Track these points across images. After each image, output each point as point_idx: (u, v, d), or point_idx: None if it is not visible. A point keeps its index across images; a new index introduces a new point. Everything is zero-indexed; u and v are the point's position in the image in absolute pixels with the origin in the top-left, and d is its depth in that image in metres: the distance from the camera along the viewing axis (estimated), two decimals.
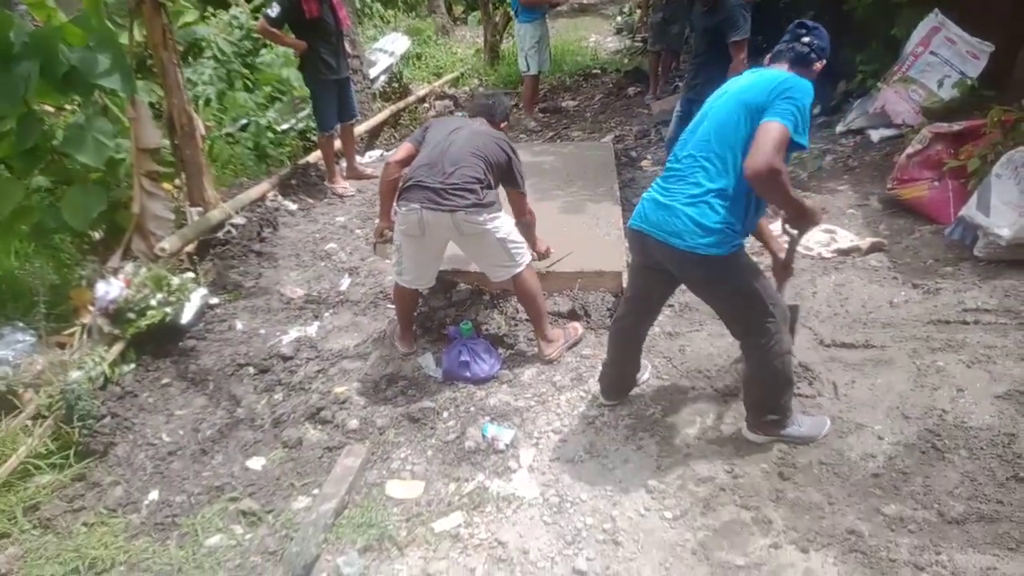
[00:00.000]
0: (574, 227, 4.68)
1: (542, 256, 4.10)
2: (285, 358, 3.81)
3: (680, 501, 2.71)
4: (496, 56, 10.90)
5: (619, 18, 13.75)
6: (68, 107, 5.10)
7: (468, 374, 3.49)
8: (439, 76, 10.39)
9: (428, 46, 11.80)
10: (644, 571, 2.45)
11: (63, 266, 4.56)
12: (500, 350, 3.72)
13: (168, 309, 3.84)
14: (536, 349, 3.68)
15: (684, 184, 2.62)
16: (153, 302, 3.79)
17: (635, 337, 3.12)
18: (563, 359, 3.64)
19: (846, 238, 4.51)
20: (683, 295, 3.86)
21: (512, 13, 8.30)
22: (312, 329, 4.10)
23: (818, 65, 2.67)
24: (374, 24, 12.38)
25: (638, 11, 12.58)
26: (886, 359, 3.34)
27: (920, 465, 2.74)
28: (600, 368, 3.27)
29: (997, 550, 2.37)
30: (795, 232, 2.87)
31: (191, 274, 4.29)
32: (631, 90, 9.20)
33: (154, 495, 3.01)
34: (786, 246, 3.02)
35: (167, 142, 4.77)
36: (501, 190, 3.59)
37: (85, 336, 3.79)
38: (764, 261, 4.29)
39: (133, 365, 3.75)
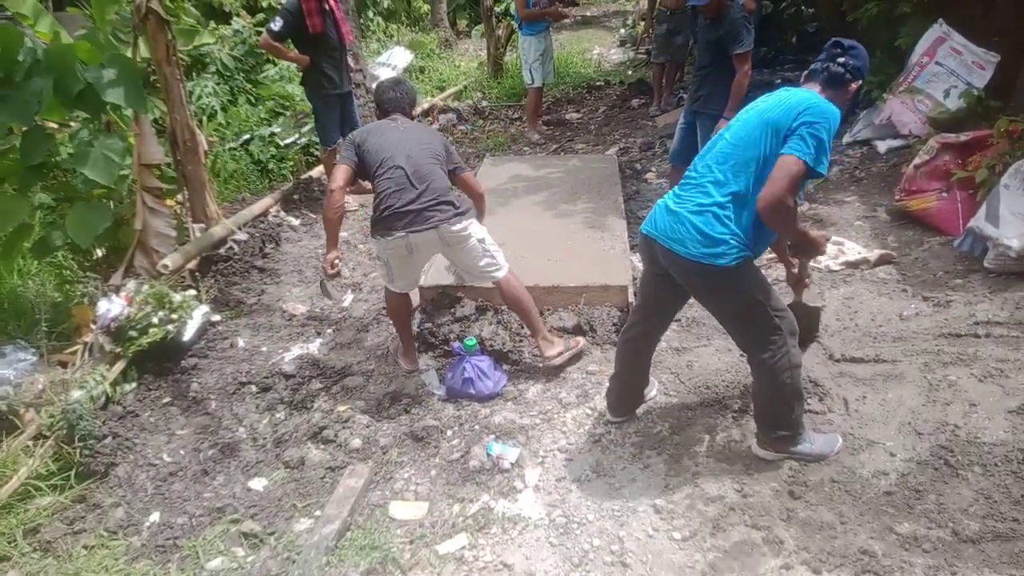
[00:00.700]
0: (579, 241, 4.65)
1: None
2: (287, 376, 3.77)
3: (689, 521, 2.66)
4: (499, 69, 10.92)
5: (622, 30, 13.81)
6: (73, 123, 5.11)
7: (472, 391, 3.45)
8: (442, 90, 10.40)
9: (431, 60, 11.83)
10: None
11: (65, 283, 4.54)
12: (505, 367, 3.68)
13: (170, 327, 3.81)
14: (540, 362, 3.65)
15: (696, 192, 2.62)
16: (155, 320, 3.76)
17: (643, 348, 3.08)
18: (568, 375, 3.60)
19: (854, 250, 4.47)
20: (689, 309, 3.83)
21: (516, 26, 8.31)
22: (314, 346, 4.07)
23: (853, 86, 2.62)
24: (377, 39, 12.43)
25: (641, 23, 12.62)
26: (897, 374, 3.29)
27: (933, 482, 2.69)
28: (607, 384, 3.23)
29: (1014, 570, 2.31)
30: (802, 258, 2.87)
31: (193, 291, 4.27)
32: (635, 102, 9.20)
33: (155, 517, 2.97)
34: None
35: (169, 158, 4.76)
36: None
37: (87, 354, 3.76)
38: (771, 274, 4.28)
39: (134, 384, 3.71)
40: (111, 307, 3.74)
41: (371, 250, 5.18)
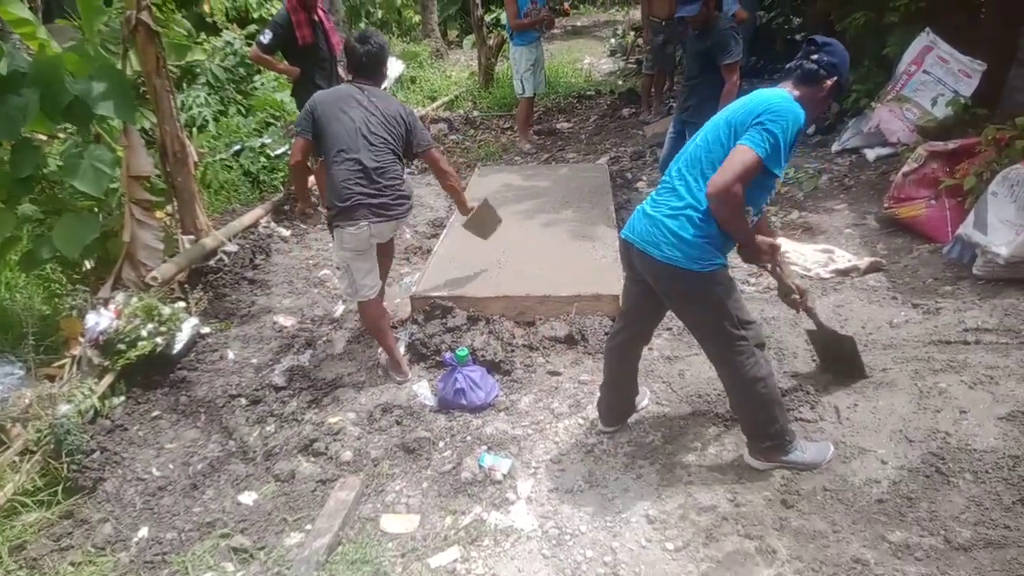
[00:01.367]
0: (570, 250, 4.65)
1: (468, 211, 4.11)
2: (277, 388, 3.75)
3: (682, 532, 2.65)
4: (490, 79, 10.94)
5: (612, 40, 13.86)
6: (61, 135, 5.09)
7: (464, 402, 3.44)
8: (433, 99, 10.42)
9: (423, 70, 11.85)
10: None
11: (53, 296, 4.51)
12: (496, 377, 3.67)
13: (159, 340, 3.78)
14: (529, 374, 3.67)
15: (669, 196, 2.66)
16: (144, 333, 3.74)
17: (629, 355, 3.08)
18: (560, 385, 3.60)
19: (844, 258, 4.48)
20: None
21: (507, 36, 8.34)
22: (305, 358, 4.05)
23: (828, 83, 2.61)
24: None
25: (631, 33, 12.67)
26: (888, 381, 3.29)
27: (925, 490, 2.68)
28: (598, 394, 3.23)
29: None
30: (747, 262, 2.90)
31: (182, 303, 4.25)
32: (626, 111, 9.23)
33: (144, 532, 2.93)
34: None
35: (160, 170, 4.74)
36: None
37: (75, 368, 3.73)
38: (762, 281, 4.29)
39: (123, 397, 3.68)
40: (100, 320, 3.72)
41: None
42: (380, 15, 14.18)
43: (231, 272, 4.88)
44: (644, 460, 3.02)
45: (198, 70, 7.64)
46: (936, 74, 5.59)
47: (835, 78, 2.62)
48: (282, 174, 6.89)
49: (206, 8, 9.01)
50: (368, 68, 3.57)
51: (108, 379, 3.67)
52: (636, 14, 11.56)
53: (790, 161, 2.85)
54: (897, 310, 3.91)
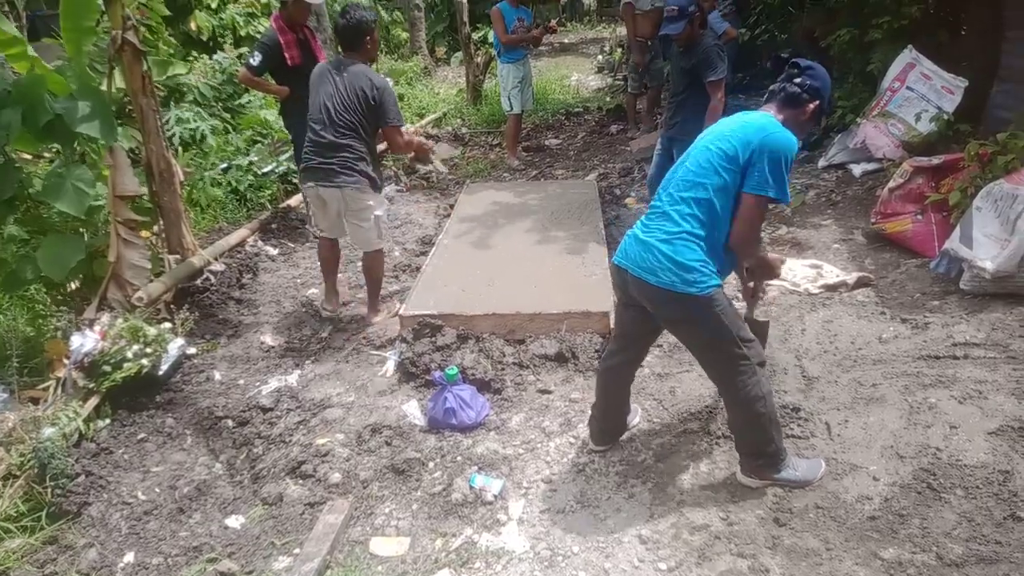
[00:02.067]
0: (559, 267, 4.65)
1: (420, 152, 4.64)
2: (265, 409, 3.70)
3: (675, 551, 2.63)
4: (478, 96, 10.98)
5: (600, 57, 13.95)
6: (46, 155, 5.05)
7: (454, 422, 3.41)
8: (422, 116, 10.44)
9: (411, 87, 11.88)
10: None
11: (37, 317, 4.46)
12: (487, 395, 3.64)
13: (144, 361, 3.73)
14: (520, 393, 3.68)
15: (662, 221, 2.65)
16: (129, 354, 3.69)
17: (623, 378, 3.07)
18: (552, 403, 3.58)
19: (832, 273, 4.50)
20: (671, 335, 3.82)
21: (495, 53, 8.38)
22: (293, 378, 4.01)
23: (811, 106, 2.65)
24: None
25: (618, 50, 12.76)
26: (878, 397, 3.30)
27: (916, 506, 2.68)
28: (589, 412, 3.21)
29: None
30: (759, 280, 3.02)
31: (168, 324, 4.20)
32: (614, 128, 9.27)
33: (129, 557, 2.88)
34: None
35: (145, 189, 4.71)
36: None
37: (59, 390, 3.67)
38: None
39: (108, 420, 3.63)
40: (84, 341, 3.67)
41: (351, 279, 5.16)
42: None
43: (218, 292, 4.85)
44: (636, 479, 3.00)
45: (185, 88, 7.62)
46: (919, 90, 5.65)
47: (817, 101, 2.66)
48: (269, 192, 6.87)
49: (193, 26, 9.00)
50: (346, 39, 4.04)
51: (93, 401, 3.61)
52: (623, 31, 11.64)
53: None
54: (886, 325, 3.92)
